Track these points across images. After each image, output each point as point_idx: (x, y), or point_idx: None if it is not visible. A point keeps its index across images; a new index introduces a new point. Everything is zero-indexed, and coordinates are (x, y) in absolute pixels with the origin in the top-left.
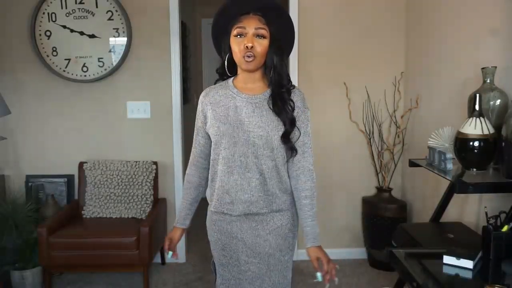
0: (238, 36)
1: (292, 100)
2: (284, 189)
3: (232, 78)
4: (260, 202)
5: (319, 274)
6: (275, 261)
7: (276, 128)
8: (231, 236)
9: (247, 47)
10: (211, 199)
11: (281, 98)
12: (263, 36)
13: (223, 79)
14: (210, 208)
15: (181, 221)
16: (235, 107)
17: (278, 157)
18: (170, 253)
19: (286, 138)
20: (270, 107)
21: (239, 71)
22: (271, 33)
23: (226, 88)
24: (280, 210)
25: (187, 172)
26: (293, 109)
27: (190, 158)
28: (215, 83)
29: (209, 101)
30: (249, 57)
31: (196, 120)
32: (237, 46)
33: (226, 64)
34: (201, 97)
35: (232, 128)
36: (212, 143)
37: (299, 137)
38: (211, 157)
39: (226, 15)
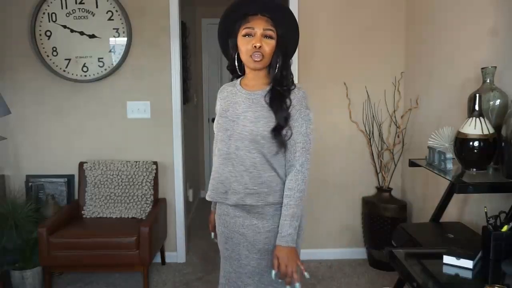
0: (246, 36)
1: (290, 99)
2: (282, 182)
3: (242, 77)
4: (255, 195)
5: (273, 273)
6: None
7: (267, 123)
8: (233, 230)
9: (255, 46)
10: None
11: (278, 95)
12: (271, 37)
13: (233, 75)
14: (208, 198)
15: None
16: (235, 102)
17: (270, 151)
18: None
19: (277, 132)
20: (266, 102)
21: (247, 70)
22: (278, 34)
23: (234, 85)
24: (278, 203)
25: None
26: (288, 108)
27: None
28: (231, 80)
29: (220, 97)
30: (257, 56)
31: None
32: (244, 46)
33: (236, 62)
34: (218, 93)
35: (228, 122)
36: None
37: (291, 135)
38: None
39: (234, 15)
